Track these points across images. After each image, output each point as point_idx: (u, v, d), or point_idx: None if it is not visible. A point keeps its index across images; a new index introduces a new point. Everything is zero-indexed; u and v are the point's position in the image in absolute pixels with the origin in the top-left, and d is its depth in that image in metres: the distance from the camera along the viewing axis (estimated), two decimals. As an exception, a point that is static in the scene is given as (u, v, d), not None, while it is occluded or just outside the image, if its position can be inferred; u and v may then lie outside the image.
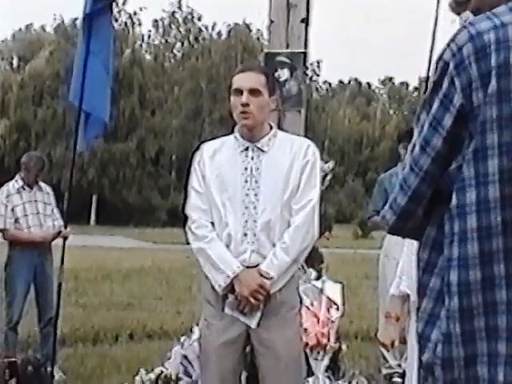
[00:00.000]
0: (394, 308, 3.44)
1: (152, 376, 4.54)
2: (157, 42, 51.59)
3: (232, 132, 3.33)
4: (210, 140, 3.41)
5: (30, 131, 44.16)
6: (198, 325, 4.00)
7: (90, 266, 13.92)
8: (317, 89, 56.46)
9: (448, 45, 1.70)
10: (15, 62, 49.17)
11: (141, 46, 50.49)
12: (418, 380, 1.79)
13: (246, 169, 3.22)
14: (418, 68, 52.71)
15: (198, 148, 3.37)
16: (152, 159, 46.02)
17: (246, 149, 3.25)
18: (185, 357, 4.45)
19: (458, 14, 1.86)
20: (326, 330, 4.18)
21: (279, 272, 3.14)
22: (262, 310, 3.16)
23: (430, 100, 1.72)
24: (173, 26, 51.22)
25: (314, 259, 4.31)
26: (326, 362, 4.25)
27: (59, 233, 5.82)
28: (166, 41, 51.50)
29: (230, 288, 3.15)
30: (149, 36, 51.21)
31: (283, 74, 4.55)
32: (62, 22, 48.37)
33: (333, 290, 4.31)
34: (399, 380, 5.44)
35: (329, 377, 4.33)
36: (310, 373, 4.17)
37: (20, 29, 49.99)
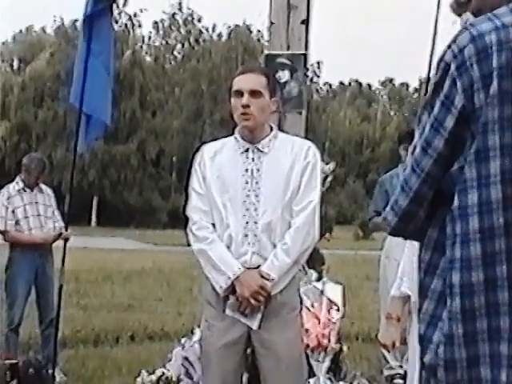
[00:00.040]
0: (395, 309, 3.43)
1: (153, 378, 4.54)
2: (157, 44, 51.60)
3: (232, 133, 3.33)
4: (210, 141, 3.42)
5: (30, 133, 44.17)
6: (199, 326, 4.00)
7: (91, 267, 13.92)
8: (317, 90, 56.47)
9: (449, 46, 1.70)
10: (16, 63, 49.17)
11: (141, 47, 50.47)
12: (420, 381, 1.79)
13: (246, 170, 3.22)
14: (418, 69, 52.63)
15: (198, 149, 3.37)
16: (153, 160, 46.03)
17: (247, 150, 3.25)
18: (186, 358, 4.45)
19: (459, 15, 1.86)
20: (327, 331, 4.18)
21: (280, 273, 3.14)
22: (262, 311, 3.16)
23: (432, 101, 1.72)
24: (173, 28, 51.21)
25: (314, 260, 4.31)
26: (327, 363, 4.24)
27: (60, 234, 5.82)
28: (167, 42, 51.50)
29: (231, 289, 3.15)
30: (149, 37, 51.24)
31: (284, 75, 4.55)
32: (63, 23, 48.40)
33: (334, 292, 4.31)
34: (401, 381, 5.44)
35: (330, 378, 4.33)
36: (312, 374, 4.17)
37: (20, 30, 50.03)
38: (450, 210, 1.69)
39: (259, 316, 3.16)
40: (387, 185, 5.66)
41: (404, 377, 5.02)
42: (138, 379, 4.66)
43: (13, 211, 5.80)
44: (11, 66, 49.27)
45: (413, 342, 3.27)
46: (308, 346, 4.08)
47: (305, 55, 4.58)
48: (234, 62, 44.47)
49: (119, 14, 45.45)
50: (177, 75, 48.94)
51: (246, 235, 3.17)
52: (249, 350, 3.35)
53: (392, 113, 60.91)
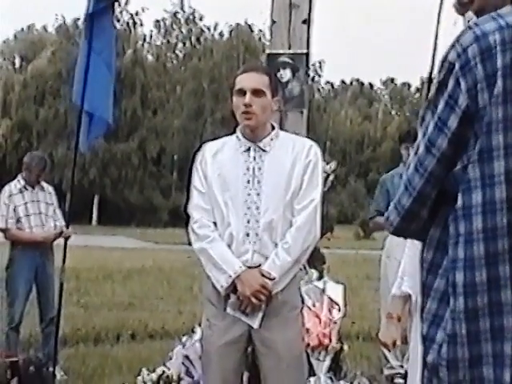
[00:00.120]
0: (396, 308, 3.43)
1: (154, 376, 4.54)
2: (159, 43, 51.59)
3: (234, 132, 3.33)
4: (211, 140, 3.41)
5: (31, 131, 44.18)
6: (199, 325, 4.00)
7: (92, 265, 13.92)
8: (319, 89, 56.45)
9: (453, 45, 1.69)
10: (17, 61, 49.17)
11: (143, 46, 50.45)
12: (422, 381, 1.79)
13: (247, 169, 3.22)
14: (419, 69, 52.78)
15: (199, 148, 3.36)
16: (154, 159, 46.04)
17: (248, 149, 3.25)
18: (186, 357, 4.44)
19: (462, 14, 1.85)
20: (328, 331, 4.17)
21: (281, 272, 3.14)
22: (263, 310, 3.16)
23: (435, 101, 1.72)
24: (175, 27, 51.21)
25: (315, 260, 4.31)
26: (327, 362, 4.24)
27: (61, 233, 5.82)
28: (168, 41, 51.48)
29: (232, 288, 3.15)
30: (151, 36, 51.23)
31: (285, 74, 4.54)
32: (64, 22, 48.39)
33: (334, 291, 4.31)
34: (401, 381, 5.44)
35: (331, 377, 4.33)
36: (312, 373, 4.17)
37: (22, 29, 50.06)
38: (452, 209, 1.69)
39: (260, 315, 3.16)
40: (388, 184, 5.66)
41: (404, 376, 5.02)
42: (139, 378, 4.66)
43: (14, 209, 5.80)
44: (13, 64, 49.29)
45: (414, 342, 3.27)
46: (309, 345, 4.07)
47: (306, 54, 4.58)
48: (236, 60, 44.44)
49: (121, 12, 45.44)
50: (178, 74, 48.94)
51: (248, 234, 3.16)
52: (249, 349, 3.35)
53: (393, 112, 60.93)
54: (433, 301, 1.73)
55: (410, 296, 3.35)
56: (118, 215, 40.97)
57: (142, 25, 49.70)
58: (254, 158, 3.23)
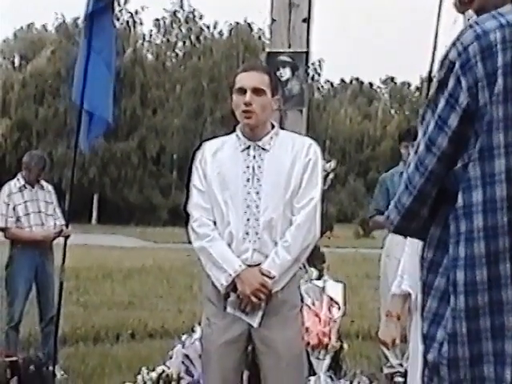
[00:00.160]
0: (395, 307, 3.43)
1: (153, 375, 4.54)
2: (158, 42, 51.53)
3: (233, 131, 3.33)
4: (211, 139, 3.41)
5: (31, 130, 44.15)
6: (199, 324, 4.00)
7: (91, 264, 13.92)
8: (318, 88, 56.42)
9: (454, 44, 1.69)
10: (17, 60, 49.13)
11: (142, 45, 50.41)
12: (422, 380, 1.79)
13: (247, 167, 3.22)
14: (419, 68, 52.76)
15: (199, 147, 3.36)
16: (153, 158, 46.02)
17: (248, 147, 3.25)
18: (186, 356, 4.44)
19: (463, 12, 1.85)
20: (328, 330, 4.17)
21: (281, 271, 3.14)
22: (263, 308, 3.16)
23: (436, 99, 1.72)
24: (174, 26, 51.16)
25: (315, 258, 4.30)
26: (327, 361, 4.24)
27: (60, 232, 5.82)
28: (168, 40, 51.44)
29: (232, 287, 3.15)
30: (150, 35, 51.15)
31: (285, 73, 4.54)
32: (64, 21, 48.33)
33: (334, 290, 4.30)
34: (401, 379, 5.44)
35: (330, 376, 4.33)
36: (312, 372, 4.17)
37: (22, 28, 49.98)
38: (453, 208, 1.69)
39: (260, 314, 3.16)
40: (388, 183, 5.66)
41: (404, 375, 5.02)
42: (139, 377, 4.66)
43: (14, 208, 5.80)
44: (12, 63, 49.25)
45: (414, 340, 3.27)
46: (308, 343, 4.07)
47: (306, 53, 4.57)
48: (235, 59, 44.43)
49: (120, 11, 45.41)
50: (177, 73, 48.90)
51: (247, 233, 3.16)
52: (249, 348, 3.34)
53: (393, 111, 60.88)
54: (433, 299, 1.73)
55: (409, 295, 3.35)
56: (118, 214, 40.96)
57: (141, 24, 49.71)
58: (254, 157, 3.23)
